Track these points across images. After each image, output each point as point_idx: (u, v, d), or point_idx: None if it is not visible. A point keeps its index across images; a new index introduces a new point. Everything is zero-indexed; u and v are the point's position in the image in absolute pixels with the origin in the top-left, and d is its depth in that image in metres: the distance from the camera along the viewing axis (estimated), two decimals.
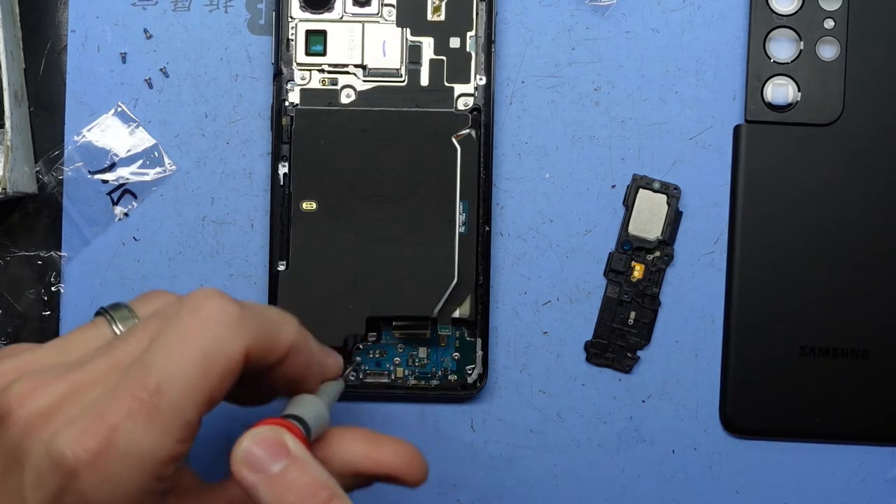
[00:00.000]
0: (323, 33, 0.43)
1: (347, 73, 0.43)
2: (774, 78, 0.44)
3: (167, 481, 0.29)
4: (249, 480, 0.28)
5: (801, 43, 0.44)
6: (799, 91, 0.44)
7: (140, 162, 0.45)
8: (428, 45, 0.43)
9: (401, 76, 0.43)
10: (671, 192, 0.44)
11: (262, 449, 0.28)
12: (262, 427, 0.29)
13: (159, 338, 0.29)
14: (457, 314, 0.43)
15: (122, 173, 0.45)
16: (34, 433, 0.28)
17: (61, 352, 0.31)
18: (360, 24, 0.43)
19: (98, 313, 0.32)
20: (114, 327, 0.32)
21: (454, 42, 0.44)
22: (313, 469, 0.29)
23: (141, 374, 0.28)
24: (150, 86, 0.45)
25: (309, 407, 0.32)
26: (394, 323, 0.43)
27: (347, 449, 0.33)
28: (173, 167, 0.45)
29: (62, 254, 0.44)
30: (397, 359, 0.44)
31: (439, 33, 0.43)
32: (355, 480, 0.33)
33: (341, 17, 0.44)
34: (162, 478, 0.29)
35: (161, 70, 0.45)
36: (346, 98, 0.43)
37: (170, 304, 0.32)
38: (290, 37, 0.43)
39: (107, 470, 0.27)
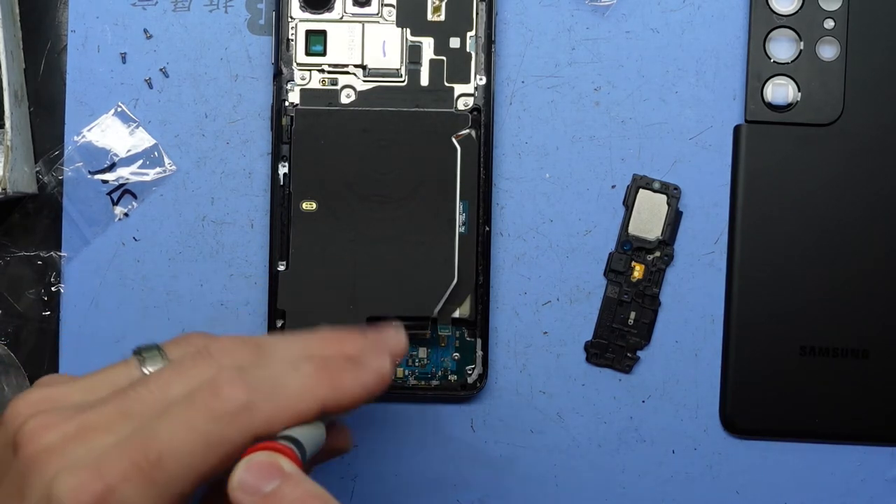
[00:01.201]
0: (323, 33, 0.43)
1: (347, 73, 0.43)
2: (774, 78, 0.44)
3: None
4: (245, 503, 0.29)
5: (801, 43, 0.44)
6: (799, 91, 0.44)
7: (140, 162, 0.45)
8: (428, 45, 0.43)
9: (401, 76, 0.43)
10: (671, 192, 0.44)
11: (254, 474, 0.29)
12: (257, 453, 0.30)
13: (171, 410, 0.30)
14: (457, 314, 0.43)
15: (122, 173, 0.45)
16: (37, 469, 0.29)
17: (88, 389, 0.32)
18: (360, 24, 0.43)
19: (134, 352, 0.33)
20: (143, 369, 0.32)
21: (454, 42, 0.44)
22: (305, 483, 0.30)
23: (146, 441, 0.29)
24: (150, 86, 0.45)
25: (306, 427, 0.32)
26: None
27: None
28: (173, 167, 0.45)
29: (62, 254, 0.45)
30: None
31: (439, 33, 0.43)
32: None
33: (341, 17, 0.44)
34: None
35: (161, 70, 0.45)
36: (346, 98, 0.43)
37: (191, 354, 0.32)
38: (290, 37, 0.43)
39: None
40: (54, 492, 0.28)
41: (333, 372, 0.32)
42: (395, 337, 0.35)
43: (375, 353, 0.33)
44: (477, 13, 0.43)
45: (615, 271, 0.44)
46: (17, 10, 0.45)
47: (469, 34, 0.43)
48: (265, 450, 0.30)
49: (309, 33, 0.43)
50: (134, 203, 0.45)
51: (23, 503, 0.29)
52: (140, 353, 0.33)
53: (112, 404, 0.31)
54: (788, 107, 0.44)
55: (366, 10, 0.43)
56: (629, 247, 0.44)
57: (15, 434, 0.30)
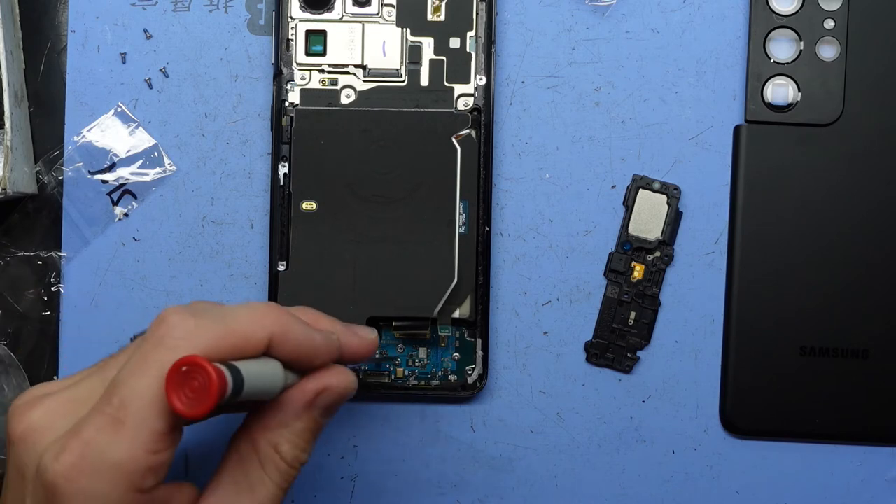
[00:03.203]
0: (323, 33, 0.43)
1: (347, 73, 0.43)
2: (774, 78, 0.44)
3: (149, 494, 0.30)
4: None
5: (801, 43, 0.44)
6: (799, 91, 0.44)
7: (140, 162, 0.45)
8: (428, 45, 0.43)
9: (401, 76, 0.43)
10: (671, 193, 0.44)
11: None
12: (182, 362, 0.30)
13: (129, 358, 0.31)
14: (457, 314, 0.43)
15: (122, 173, 0.45)
16: (28, 447, 0.30)
17: (81, 376, 0.33)
18: (360, 24, 0.43)
19: (131, 339, 0.34)
20: None
21: (454, 42, 0.44)
22: None
23: (109, 391, 0.30)
24: (150, 86, 0.45)
25: (254, 361, 0.32)
26: (394, 323, 0.43)
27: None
28: (173, 167, 0.45)
29: (62, 254, 0.44)
30: (397, 359, 0.44)
31: (439, 33, 0.43)
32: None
33: (341, 18, 0.44)
34: (141, 490, 0.30)
35: (161, 70, 0.45)
36: (346, 98, 0.43)
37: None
38: (290, 37, 0.43)
39: (82, 483, 0.29)
40: (42, 461, 0.29)
41: (285, 316, 0.32)
42: (365, 330, 0.38)
43: (337, 329, 0.36)
44: (477, 13, 0.43)
45: (615, 271, 0.44)
46: (17, 10, 0.45)
47: (469, 34, 0.43)
48: (188, 364, 0.29)
49: (309, 33, 0.43)
50: (134, 203, 0.45)
51: (23, 483, 0.30)
52: (135, 337, 0.34)
53: (95, 376, 0.32)
54: (788, 107, 0.44)
55: (366, 10, 0.43)
56: (629, 247, 0.44)
57: (7, 422, 0.31)
